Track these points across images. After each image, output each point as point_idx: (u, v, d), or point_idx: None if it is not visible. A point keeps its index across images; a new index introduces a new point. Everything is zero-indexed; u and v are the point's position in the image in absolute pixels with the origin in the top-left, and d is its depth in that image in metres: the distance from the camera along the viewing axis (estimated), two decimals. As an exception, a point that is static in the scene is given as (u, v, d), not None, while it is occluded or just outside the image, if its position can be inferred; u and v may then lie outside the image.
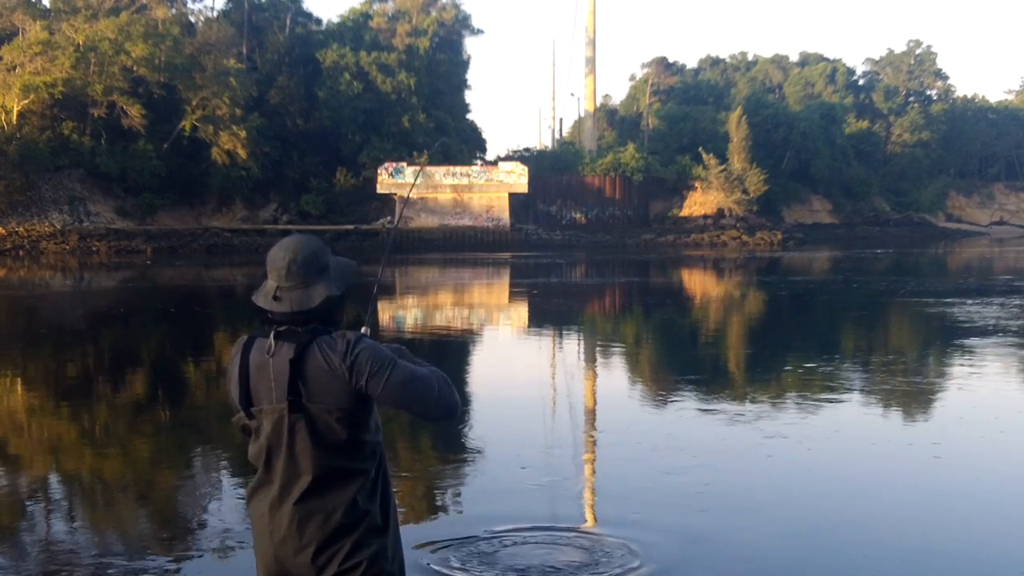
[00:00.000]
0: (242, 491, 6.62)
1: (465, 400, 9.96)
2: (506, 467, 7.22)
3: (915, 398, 10.17)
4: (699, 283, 29.36)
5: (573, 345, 15.55)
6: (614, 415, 9.38)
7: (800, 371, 12.10)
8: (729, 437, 8.18)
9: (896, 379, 11.31)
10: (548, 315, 19.95)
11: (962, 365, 12.30)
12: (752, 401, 9.98)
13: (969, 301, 20.43)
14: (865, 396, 10.34)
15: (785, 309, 20.90)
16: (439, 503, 6.55)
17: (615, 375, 12.40)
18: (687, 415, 9.27)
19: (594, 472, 7.38)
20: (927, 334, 16.16)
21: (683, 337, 16.48)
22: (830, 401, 9.83)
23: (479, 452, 7.82)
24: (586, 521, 6.01)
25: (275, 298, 2.69)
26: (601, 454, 7.92)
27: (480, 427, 8.76)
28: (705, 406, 9.71)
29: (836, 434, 8.35)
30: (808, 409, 9.45)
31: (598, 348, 15.04)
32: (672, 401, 10.12)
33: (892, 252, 46.02)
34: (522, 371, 12.35)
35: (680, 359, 13.89)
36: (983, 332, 15.16)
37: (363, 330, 2.78)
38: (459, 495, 6.72)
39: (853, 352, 14.34)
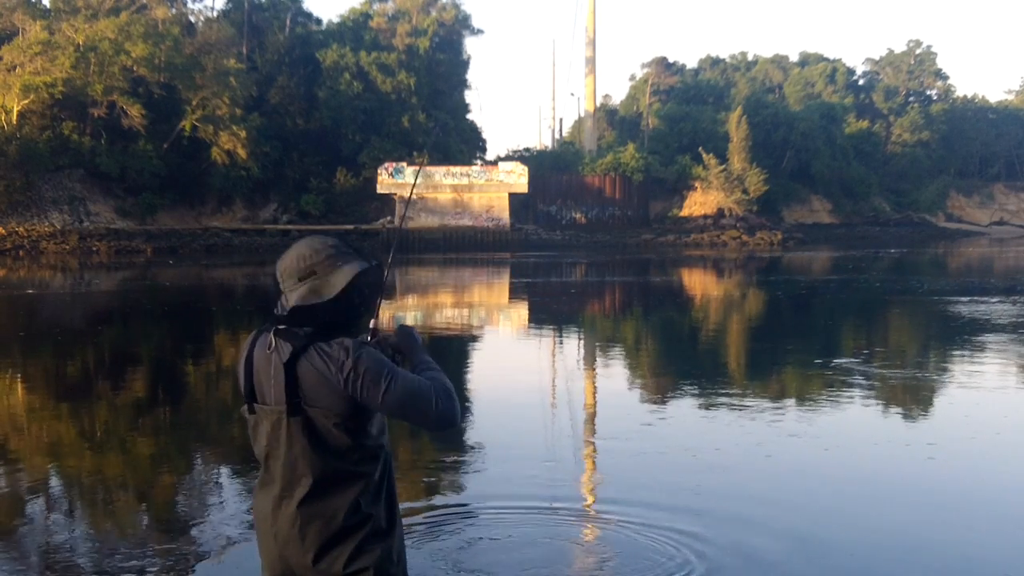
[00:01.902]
0: (242, 489, 6.61)
1: (468, 399, 9.93)
2: (522, 462, 7.22)
3: (947, 396, 10.16)
4: (700, 283, 29.33)
5: (576, 344, 15.51)
6: (622, 414, 9.34)
7: (829, 370, 12.07)
8: (746, 435, 8.15)
9: (937, 379, 11.31)
10: (550, 314, 19.92)
11: (995, 363, 12.25)
12: (777, 398, 9.94)
13: (990, 299, 20.52)
14: (893, 394, 10.30)
15: (809, 309, 20.84)
16: (443, 498, 6.53)
17: (625, 374, 12.36)
18: (697, 413, 9.25)
19: (595, 466, 7.35)
20: (955, 332, 16.00)
21: (697, 336, 16.46)
22: (849, 399, 9.80)
23: (485, 448, 7.79)
24: (602, 515, 6.00)
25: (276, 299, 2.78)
26: (610, 452, 7.88)
27: (484, 425, 8.73)
28: (715, 404, 9.68)
29: (856, 433, 8.30)
30: (832, 407, 9.42)
31: (605, 347, 15.00)
32: (681, 400, 10.10)
33: (905, 251, 46.00)
34: (526, 370, 12.32)
35: (697, 358, 13.86)
36: (1013, 328, 15.33)
37: (370, 326, 2.77)
38: (464, 489, 6.69)
39: (878, 350, 14.25)
